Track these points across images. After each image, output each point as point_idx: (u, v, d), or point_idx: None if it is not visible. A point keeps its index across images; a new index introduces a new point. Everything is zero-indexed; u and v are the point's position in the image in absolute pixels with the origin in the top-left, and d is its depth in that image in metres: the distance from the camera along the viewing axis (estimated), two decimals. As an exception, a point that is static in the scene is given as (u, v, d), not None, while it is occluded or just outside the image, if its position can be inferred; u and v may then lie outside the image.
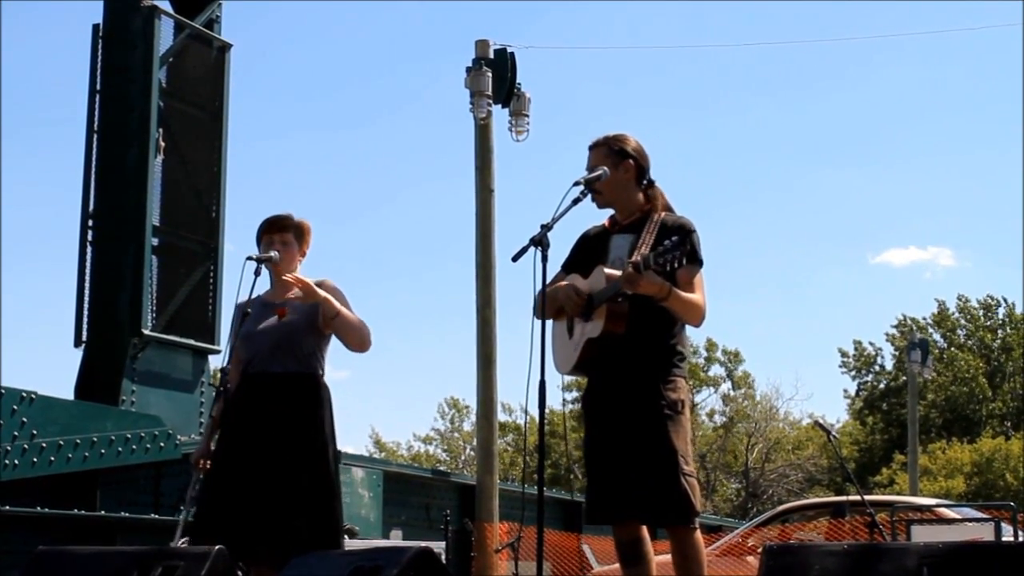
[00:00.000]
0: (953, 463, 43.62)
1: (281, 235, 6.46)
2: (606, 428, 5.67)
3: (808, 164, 67.15)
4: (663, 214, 5.74)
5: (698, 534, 5.67)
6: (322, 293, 6.19)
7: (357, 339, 6.36)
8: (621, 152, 5.83)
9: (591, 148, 5.91)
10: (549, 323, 5.82)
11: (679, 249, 5.22)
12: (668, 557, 5.76)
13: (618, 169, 5.79)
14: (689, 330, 5.86)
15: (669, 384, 5.64)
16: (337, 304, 6.25)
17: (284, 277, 6.17)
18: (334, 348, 6.49)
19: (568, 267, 5.98)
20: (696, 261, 5.58)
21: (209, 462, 6.32)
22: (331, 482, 6.28)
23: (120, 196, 13.30)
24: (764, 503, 45.43)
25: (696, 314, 5.62)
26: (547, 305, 5.73)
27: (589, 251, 5.91)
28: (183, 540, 6.25)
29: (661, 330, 5.67)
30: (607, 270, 5.60)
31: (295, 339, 6.27)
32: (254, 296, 6.42)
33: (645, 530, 5.69)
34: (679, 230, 5.45)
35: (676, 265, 5.25)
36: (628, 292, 5.46)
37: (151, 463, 12.30)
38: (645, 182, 5.90)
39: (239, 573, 5.81)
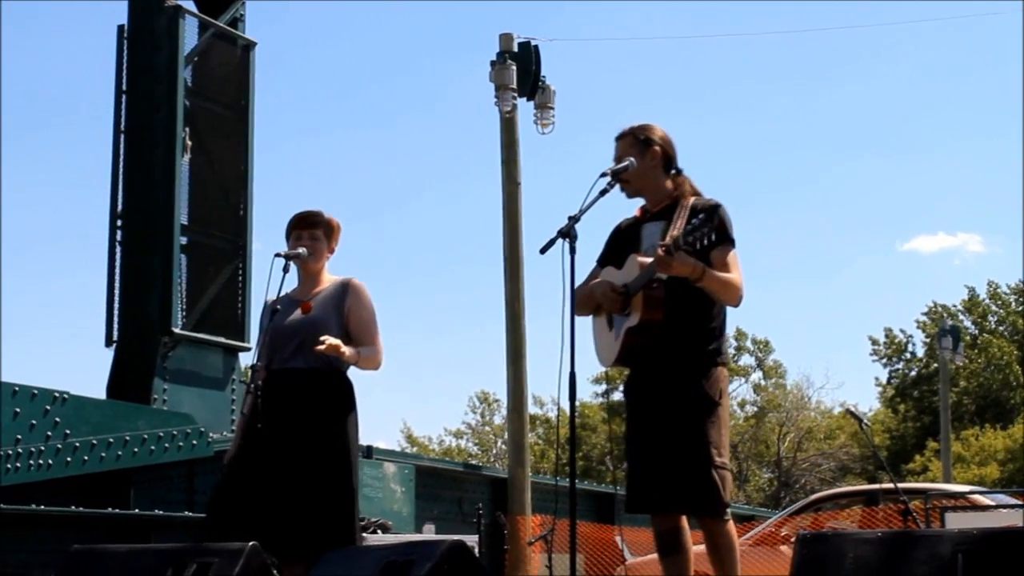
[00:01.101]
0: (986, 450, 43.40)
1: (310, 231, 6.47)
2: (645, 418, 5.68)
3: (835, 152, 66.97)
4: (692, 199, 5.75)
5: (730, 525, 5.67)
6: (347, 352, 6.19)
7: (371, 368, 6.43)
8: (647, 141, 5.85)
9: (617, 139, 5.94)
10: (589, 318, 5.87)
11: (707, 226, 5.23)
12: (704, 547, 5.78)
13: (644, 158, 5.82)
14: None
15: (708, 374, 5.64)
16: (352, 352, 6.23)
17: (317, 348, 6.15)
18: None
19: (603, 261, 6.00)
20: (728, 240, 5.59)
21: (230, 467, 6.34)
22: (348, 480, 6.26)
23: (148, 196, 13.35)
24: (796, 492, 45.31)
25: (733, 293, 5.61)
26: (585, 302, 5.79)
27: (622, 243, 5.92)
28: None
29: (700, 315, 5.66)
30: (640, 258, 5.61)
31: (319, 335, 6.25)
32: (283, 293, 6.44)
33: (684, 521, 5.69)
34: (706, 210, 5.44)
35: (705, 242, 5.26)
36: (663, 276, 5.47)
37: (184, 461, 12.35)
38: (673, 170, 5.91)
39: (273, 570, 5.82)
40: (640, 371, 5.80)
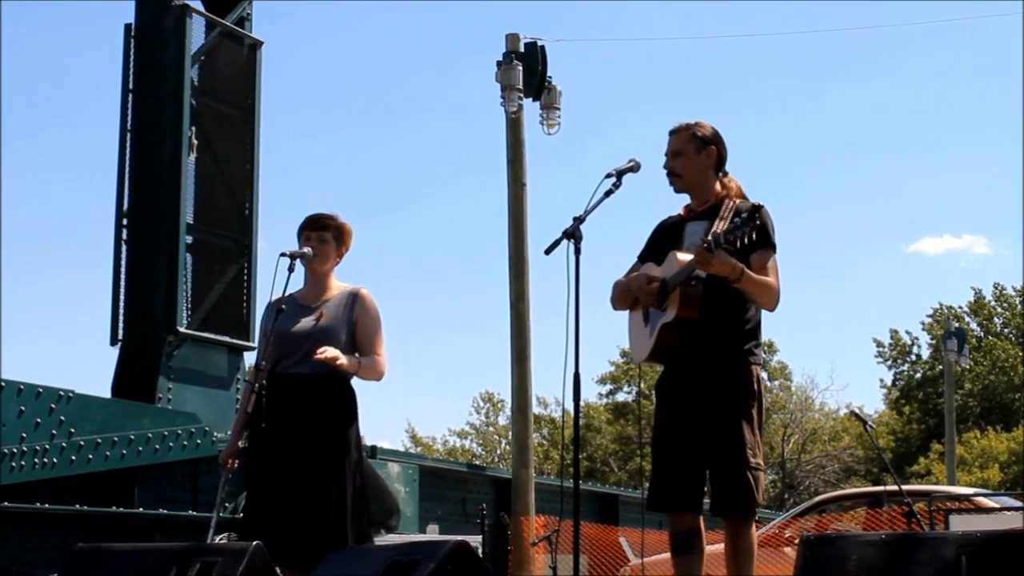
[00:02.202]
0: (989, 453, 43.33)
1: (318, 233, 6.51)
2: (677, 416, 5.68)
3: (840, 154, 66.93)
4: (737, 201, 5.75)
5: (753, 528, 5.68)
6: (344, 362, 6.23)
7: (373, 378, 6.51)
8: (704, 139, 5.86)
9: (672, 133, 5.92)
10: (626, 313, 5.90)
11: (748, 225, 5.23)
12: (716, 548, 5.78)
13: (700, 155, 5.85)
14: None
15: (742, 373, 5.64)
16: (352, 361, 6.31)
17: (316, 356, 6.19)
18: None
19: (644, 257, 6.01)
20: (769, 245, 5.60)
21: (237, 461, 6.38)
22: (344, 486, 6.28)
23: (153, 194, 13.35)
24: (801, 494, 45.29)
25: (770, 296, 5.62)
26: (622, 296, 5.83)
27: (664, 240, 5.93)
28: (221, 537, 6.30)
29: (735, 314, 5.66)
30: (680, 255, 5.62)
31: (328, 343, 6.29)
32: (288, 294, 6.47)
33: (701, 522, 5.69)
34: (748, 210, 5.43)
35: (746, 241, 5.25)
36: (702, 274, 5.48)
37: (188, 460, 12.35)
38: (721, 171, 5.93)
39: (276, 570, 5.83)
40: (674, 368, 5.80)
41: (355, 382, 6.53)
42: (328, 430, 6.27)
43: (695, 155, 5.84)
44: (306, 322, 6.38)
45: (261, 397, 6.25)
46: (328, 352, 6.14)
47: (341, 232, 6.58)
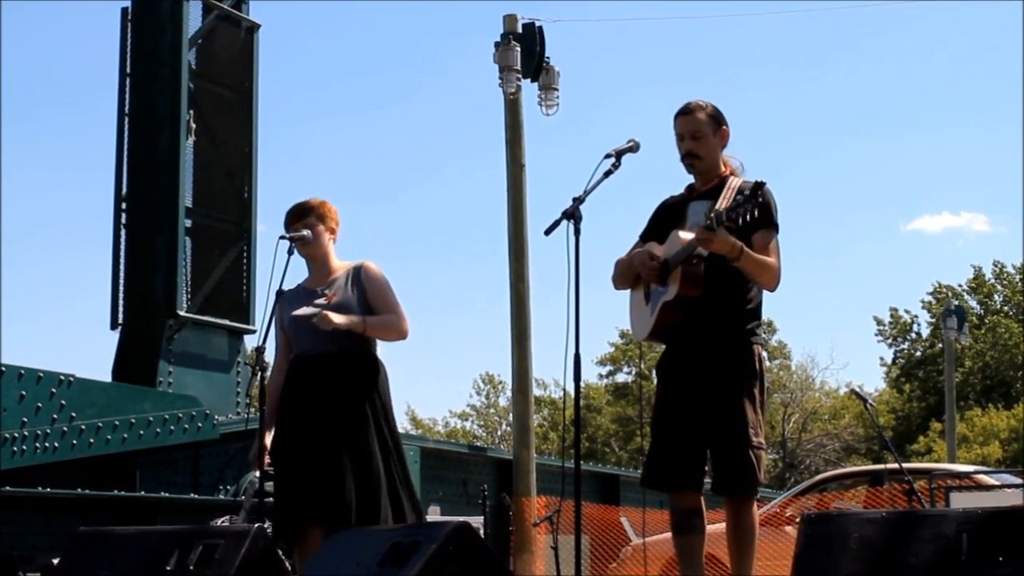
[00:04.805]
0: (990, 430, 43.35)
1: (302, 222, 6.49)
2: (678, 395, 5.68)
3: (838, 133, 66.82)
4: (740, 180, 5.75)
5: (755, 507, 5.70)
6: (342, 321, 6.23)
7: (392, 336, 6.51)
8: (719, 119, 5.86)
9: (685, 114, 5.87)
10: (627, 292, 5.91)
11: (750, 202, 5.23)
12: (717, 527, 5.78)
13: (715, 136, 5.84)
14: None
15: (744, 353, 5.65)
16: (359, 320, 6.31)
17: (320, 316, 6.20)
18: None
19: (646, 236, 6.00)
20: (772, 225, 5.60)
21: (270, 454, 6.36)
22: (375, 457, 6.30)
23: (152, 178, 13.35)
24: (801, 473, 45.34)
25: (770, 276, 5.61)
26: (624, 273, 5.83)
27: (667, 219, 5.93)
28: (223, 520, 6.30)
29: (737, 293, 5.67)
30: (682, 233, 5.62)
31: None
32: (297, 285, 6.50)
33: (702, 501, 5.70)
34: (751, 187, 5.42)
35: (747, 218, 5.25)
36: (703, 252, 5.48)
37: (189, 443, 12.36)
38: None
39: (279, 552, 5.84)
40: (675, 347, 5.81)
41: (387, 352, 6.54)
42: (354, 404, 6.27)
43: (712, 136, 5.84)
44: (318, 304, 6.37)
45: (263, 380, 6.28)
46: (325, 322, 6.17)
47: (321, 212, 6.57)
